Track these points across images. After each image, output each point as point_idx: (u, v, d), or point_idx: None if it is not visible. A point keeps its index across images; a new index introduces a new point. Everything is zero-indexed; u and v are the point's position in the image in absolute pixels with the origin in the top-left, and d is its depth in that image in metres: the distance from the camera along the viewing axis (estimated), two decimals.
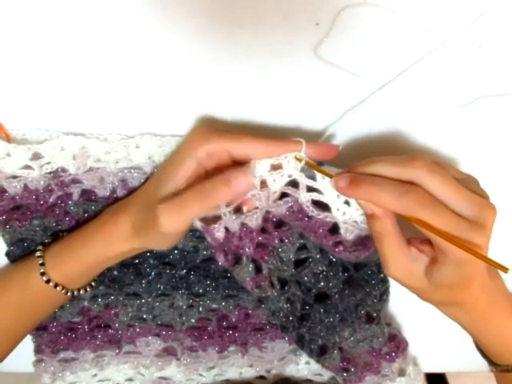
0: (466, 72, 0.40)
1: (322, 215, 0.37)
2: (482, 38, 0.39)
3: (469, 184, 0.34)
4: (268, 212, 0.38)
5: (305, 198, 0.37)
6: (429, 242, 0.34)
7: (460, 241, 0.31)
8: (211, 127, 0.37)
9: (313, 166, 0.36)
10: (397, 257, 0.35)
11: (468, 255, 0.31)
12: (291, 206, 0.38)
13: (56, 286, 0.40)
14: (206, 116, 0.41)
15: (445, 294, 0.36)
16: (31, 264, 0.40)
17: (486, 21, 0.39)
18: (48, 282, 0.39)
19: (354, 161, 0.43)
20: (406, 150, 0.43)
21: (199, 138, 0.36)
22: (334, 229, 0.38)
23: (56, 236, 0.43)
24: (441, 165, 0.34)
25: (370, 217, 0.35)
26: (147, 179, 0.41)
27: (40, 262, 0.39)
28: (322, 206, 0.37)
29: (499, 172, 0.44)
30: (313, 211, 0.37)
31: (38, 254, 0.40)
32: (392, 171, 0.33)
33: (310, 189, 0.37)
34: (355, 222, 0.37)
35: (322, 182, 0.36)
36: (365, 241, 0.38)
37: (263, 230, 0.39)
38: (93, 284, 0.43)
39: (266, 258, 0.40)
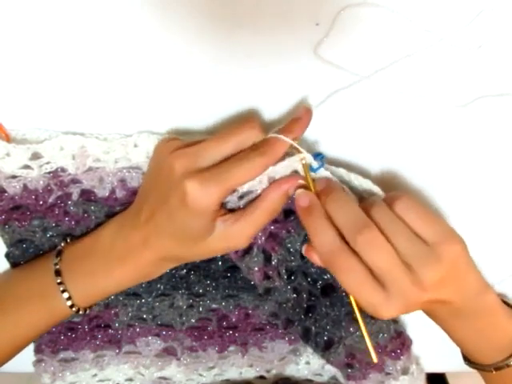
0: (466, 72, 0.40)
1: None
2: (482, 37, 0.39)
3: (419, 249, 0.34)
4: None
5: None
6: None
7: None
8: (201, 177, 0.34)
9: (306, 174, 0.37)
10: None
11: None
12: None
13: (85, 311, 0.41)
14: (204, 117, 0.41)
15: None
16: (52, 291, 0.39)
17: (486, 20, 0.38)
18: (78, 311, 0.40)
19: (352, 162, 0.43)
20: (406, 151, 0.43)
21: (205, 200, 0.34)
22: None
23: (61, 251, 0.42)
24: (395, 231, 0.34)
25: None
26: None
27: (66, 296, 0.39)
28: None
29: (499, 172, 0.44)
30: None
31: (61, 288, 0.39)
32: (342, 225, 0.34)
33: None
34: None
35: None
36: None
37: (275, 220, 0.39)
38: None
39: (276, 248, 0.40)
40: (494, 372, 0.39)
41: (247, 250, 0.39)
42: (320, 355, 0.44)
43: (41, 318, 0.40)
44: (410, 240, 0.34)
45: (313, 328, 0.43)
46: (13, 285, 0.42)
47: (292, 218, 0.40)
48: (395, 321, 0.46)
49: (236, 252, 0.39)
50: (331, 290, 0.43)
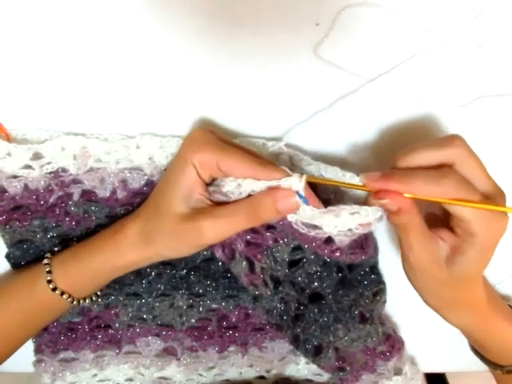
0: (466, 72, 0.40)
1: (313, 232, 0.37)
2: (482, 37, 0.39)
3: None
4: None
5: (291, 217, 0.37)
6: (450, 230, 0.35)
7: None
8: (207, 135, 0.36)
9: (316, 179, 0.35)
10: (423, 245, 0.35)
11: (492, 240, 0.34)
12: (282, 222, 0.38)
13: (62, 294, 0.39)
14: (205, 118, 0.41)
15: (457, 289, 0.36)
16: (38, 271, 0.40)
17: (486, 20, 0.39)
18: (54, 289, 0.39)
19: (352, 161, 0.43)
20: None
21: (193, 147, 0.35)
22: (329, 238, 0.38)
23: (65, 245, 0.42)
24: None
25: (393, 212, 0.34)
26: (147, 180, 0.41)
27: (47, 269, 0.39)
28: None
29: (499, 172, 0.44)
30: (303, 229, 0.37)
31: (45, 261, 0.40)
32: (433, 154, 0.34)
33: None
34: (349, 229, 0.36)
35: (308, 212, 0.35)
36: (362, 244, 0.38)
37: (253, 230, 0.39)
38: (99, 293, 0.43)
39: (259, 256, 0.40)
40: None
41: (232, 256, 0.40)
42: (311, 361, 0.44)
43: (26, 300, 0.40)
44: None
45: (301, 335, 0.43)
46: (5, 280, 0.43)
47: (280, 229, 0.39)
48: (383, 323, 0.46)
49: (224, 254, 0.39)
50: (319, 298, 0.43)
